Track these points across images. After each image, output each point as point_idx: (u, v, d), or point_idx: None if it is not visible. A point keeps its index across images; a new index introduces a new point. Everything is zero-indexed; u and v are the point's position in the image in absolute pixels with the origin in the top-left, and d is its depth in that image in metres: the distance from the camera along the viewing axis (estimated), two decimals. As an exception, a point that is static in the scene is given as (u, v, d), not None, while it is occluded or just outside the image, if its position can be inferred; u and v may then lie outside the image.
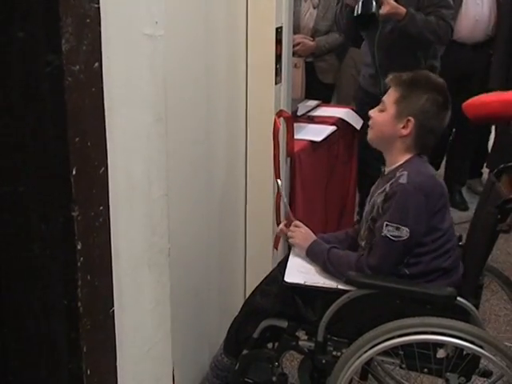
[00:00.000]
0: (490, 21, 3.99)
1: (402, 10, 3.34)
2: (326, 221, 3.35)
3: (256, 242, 2.86)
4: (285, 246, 2.95)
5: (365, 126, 3.52)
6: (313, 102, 3.64)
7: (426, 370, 2.09)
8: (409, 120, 2.13)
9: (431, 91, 2.14)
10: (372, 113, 2.24)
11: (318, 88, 4.06)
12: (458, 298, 2.01)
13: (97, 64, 1.16)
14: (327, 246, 2.24)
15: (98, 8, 1.14)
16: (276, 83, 2.74)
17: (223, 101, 2.55)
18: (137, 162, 1.36)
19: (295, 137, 2.92)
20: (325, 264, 2.18)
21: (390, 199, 2.06)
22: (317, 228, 3.17)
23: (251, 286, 2.79)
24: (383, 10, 3.29)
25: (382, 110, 2.20)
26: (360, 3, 3.19)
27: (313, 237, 2.31)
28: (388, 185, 2.10)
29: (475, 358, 2.05)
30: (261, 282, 2.41)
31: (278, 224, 2.83)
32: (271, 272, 2.47)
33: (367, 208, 2.22)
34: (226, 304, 2.77)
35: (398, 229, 2.03)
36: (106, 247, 1.23)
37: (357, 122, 3.51)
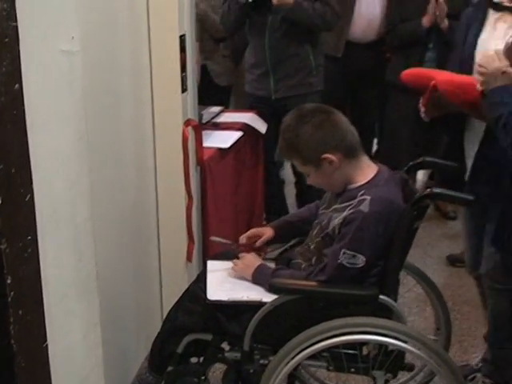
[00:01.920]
0: (382, 20, 4.11)
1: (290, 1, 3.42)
2: (236, 227, 3.34)
3: (169, 254, 2.81)
4: (199, 258, 2.92)
5: (269, 130, 3.59)
6: (216, 108, 3.63)
7: (353, 369, 2.12)
8: (324, 158, 2.08)
9: (302, 125, 2.11)
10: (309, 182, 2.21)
11: (213, 91, 4.05)
12: (381, 296, 2.05)
13: (17, 86, 1.09)
14: (271, 269, 2.21)
15: (16, 27, 1.08)
16: (182, 92, 2.71)
17: (128, 112, 2.49)
18: (60, 185, 1.30)
19: (203, 145, 2.89)
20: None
21: (349, 225, 2.04)
22: (228, 234, 3.18)
23: (168, 300, 2.75)
24: (274, 1, 3.37)
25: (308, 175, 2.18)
26: None
27: (255, 264, 2.23)
28: (348, 208, 2.08)
29: (400, 354, 2.09)
30: (181, 297, 2.37)
31: (190, 235, 2.80)
32: (190, 287, 2.43)
33: (322, 217, 2.21)
34: (143, 320, 2.70)
35: (354, 256, 2.02)
36: (36, 278, 1.17)
37: (261, 127, 3.52)
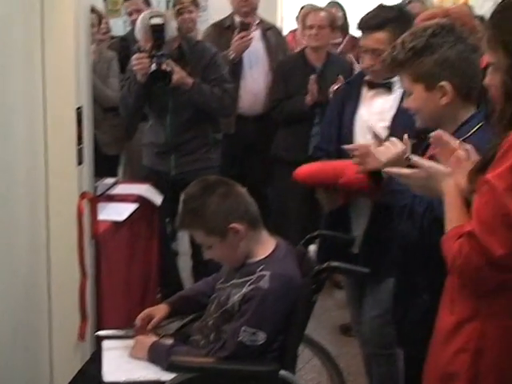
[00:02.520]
0: (268, 94, 4.24)
1: (189, 80, 3.46)
2: (130, 301, 3.26)
3: (61, 332, 2.69)
4: (92, 337, 2.81)
5: (164, 202, 3.57)
6: (110, 180, 3.58)
7: None
8: (231, 228, 2.10)
9: (208, 195, 2.13)
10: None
11: (101, 161, 3.99)
12: (281, 371, 2.05)
13: None
14: (166, 345, 2.16)
15: None
16: (78, 164, 2.66)
17: (21, 187, 2.40)
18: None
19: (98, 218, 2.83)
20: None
21: (249, 302, 2.04)
22: (122, 309, 3.10)
23: (59, 381, 2.62)
24: (173, 79, 3.40)
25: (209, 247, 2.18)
26: (154, 63, 3.31)
27: (148, 343, 2.18)
28: (247, 284, 2.07)
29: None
30: (74, 379, 2.27)
31: (83, 313, 2.70)
32: (84, 367, 2.34)
33: (221, 292, 2.18)
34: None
35: (254, 333, 2.02)
36: None
37: (157, 199, 3.50)
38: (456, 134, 1.93)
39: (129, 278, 3.23)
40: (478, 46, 1.97)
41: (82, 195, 2.69)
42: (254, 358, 2.05)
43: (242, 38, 3.98)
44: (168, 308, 2.34)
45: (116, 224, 3.06)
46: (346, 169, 2.37)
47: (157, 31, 3.31)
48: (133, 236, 3.28)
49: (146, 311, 2.35)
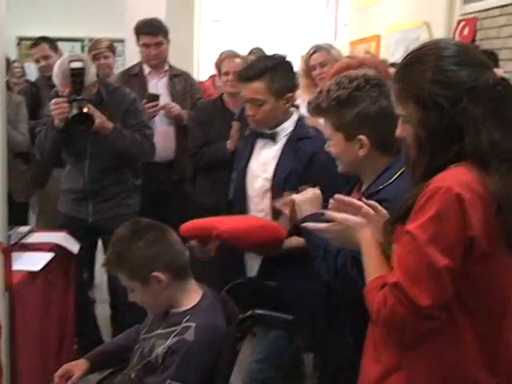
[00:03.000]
0: (178, 139, 4.25)
1: (110, 124, 3.41)
2: (46, 353, 3.14)
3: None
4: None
5: (81, 250, 3.49)
6: (24, 228, 3.47)
7: None
8: (153, 276, 2.07)
9: (136, 240, 2.10)
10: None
11: (10, 208, 3.88)
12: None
13: None
14: None
15: None
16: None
17: None
18: None
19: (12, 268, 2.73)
20: None
21: (174, 354, 1.99)
22: (37, 361, 2.98)
23: None
24: (94, 123, 3.35)
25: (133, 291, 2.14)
26: (75, 107, 3.25)
27: None
28: (172, 335, 2.03)
29: None
30: None
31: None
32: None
33: (144, 343, 2.13)
34: None
35: None
36: None
37: (74, 247, 3.41)
38: (376, 182, 1.98)
39: (45, 329, 3.11)
40: None
41: (-5, 245, 2.60)
42: None
43: (150, 108, 3.97)
44: (87, 364, 2.27)
45: (31, 274, 2.95)
46: (219, 223, 2.41)
47: (76, 75, 3.25)
48: (49, 286, 3.17)
49: (65, 367, 2.27)
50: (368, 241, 1.64)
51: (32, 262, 3.03)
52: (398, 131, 1.62)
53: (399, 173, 1.97)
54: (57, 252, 3.27)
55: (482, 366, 1.52)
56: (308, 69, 3.87)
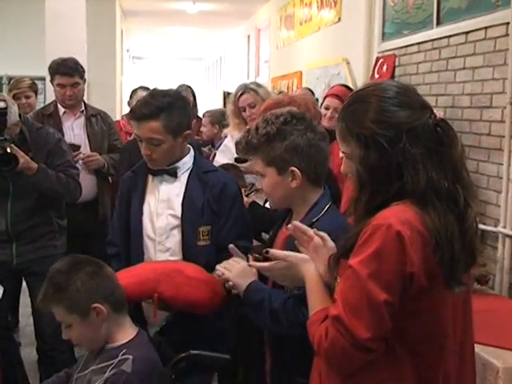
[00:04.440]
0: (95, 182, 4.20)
1: (34, 164, 3.34)
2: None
3: None
4: None
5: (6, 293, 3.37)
6: None
7: None
8: (94, 308, 2.03)
9: (76, 272, 2.05)
10: None
11: None
12: None
13: None
14: None
15: None
16: None
17: None
18: None
19: None
20: None
21: None
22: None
23: None
24: (18, 164, 3.26)
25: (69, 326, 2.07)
26: None
27: None
28: (109, 369, 1.97)
29: None
30: None
31: None
32: None
33: (80, 381, 2.04)
34: None
35: None
36: None
37: (-3, 292, 3.29)
38: (308, 215, 2.02)
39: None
40: (325, 134, 2.11)
41: None
42: None
43: (74, 157, 3.91)
44: None
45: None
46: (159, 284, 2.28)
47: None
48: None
49: None
50: (311, 275, 1.66)
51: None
52: (343, 167, 1.66)
53: (327, 207, 2.04)
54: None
55: None
56: (237, 110, 3.90)
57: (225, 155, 3.85)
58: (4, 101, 3.23)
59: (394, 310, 1.46)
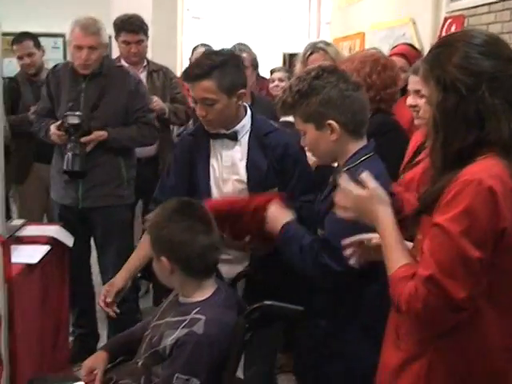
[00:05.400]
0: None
1: (104, 134, 3.44)
2: (42, 345, 3.14)
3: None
4: (7, 382, 2.68)
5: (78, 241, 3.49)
6: (18, 221, 3.46)
7: None
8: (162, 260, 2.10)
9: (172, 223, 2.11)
10: None
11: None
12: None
13: None
14: None
15: None
16: (-11, 205, 2.57)
17: None
18: None
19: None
20: None
21: (182, 347, 1.99)
22: (33, 353, 2.98)
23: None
24: (89, 147, 3.43)
25: None
26: (69, 157, 3.36)
27: None
28: (181, 326, 2.02)
29: None
30: None
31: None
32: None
33: (154, 331, 2.13)
34: None
35: (188, 380, 1.97)
36: None
37: (68, 240, 3.41)
38: (344, 165, 2.08)
39: (41, 321, 3.12)
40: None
41: (-7, 238, 2.59)
42: None
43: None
44: (107, 355, 2.28)
45: (28, 267, 2.95)
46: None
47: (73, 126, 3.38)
48: (45, 278, 3.17)
49: (87, 365, 2.26)
50: (388, 221, 1.64)
51: (29, 254, 3.03)
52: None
53: (365, 157, 2.08)
54: (52, 245, 3.26)
55: (505, 358, 1.56)
56: None
57: (289, 113, 3.87)
58: (78, 116, 3.36)
59: (486, 267, 1.46)
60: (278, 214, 2.16)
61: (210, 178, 2.55)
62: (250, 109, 2.62)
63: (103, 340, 3.86)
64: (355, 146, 2.10)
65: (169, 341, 2.04)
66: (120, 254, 3.62)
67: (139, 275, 3.53)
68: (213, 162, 2.56)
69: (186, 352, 1.99)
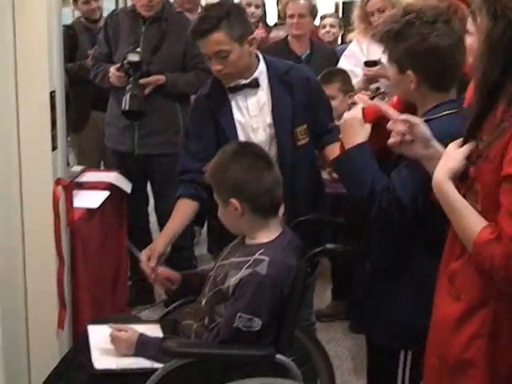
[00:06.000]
0: None
1: (162, 79, 3.43)
2: (102, 289, 3.20)
3: (39, 321, 2.62)
4: (70, 325, 2.74)
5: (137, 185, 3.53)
6: (77, 168, 3.50)
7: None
8: (230, 203, 2.09)
9: (234, 163, 2.11)
10: None
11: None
12: (277, 356, 2.04)
13: None
14: (156, 339, 2.11)
15: None
16: (52, 150, 2.58)
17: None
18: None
19: (72, 205, 2.75)
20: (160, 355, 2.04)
21: (245, 287, 2.00)
22: (94, 296, 3.03)
23: (37, 370, 2.56)
24: (148, 90, 3.43)
25: None
26: (127, 98, 3.34)
27: (133, 338, 2.10)
28: (245, 266, 2.04)
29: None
30: (58, 367, 2.21)
31: (62, 301, 2.63)
32: (68, 355, 2.28)
33: (218, 270, 2.15)
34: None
35: (250, 320, 1.98)
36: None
37: (126, 186, 3.44)
38: (422, 117, 1.96)
39: (101, 265, 3.16)
40: (458, 39, 1.96)
41: (57, 182, 2.61)
42: (250, 341, 2.02)
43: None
44: (180, 276, 2.35)
45: (89, 211, 2.98)
46: None
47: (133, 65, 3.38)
48: (104, 223, 3.20)
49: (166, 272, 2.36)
50: (444, 177, 1.60)
51: (89, 199, 3.06)
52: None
53: (448, 112, 1.96)
54: (111, 191, 3.29)
55: None
56: (365, 14, 3.80)
57: (349, 60, 3.80)
58: (139, 53, 3.33)
59: None
60: (359, 126, 1.97)
61: (238, 133, 2.54)
62: (260, 54, 2.59)
63: (160, 286, 3.91)
64: (437, 98, 1.99)
65: (232, 280, 2.05)
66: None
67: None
68: (237, 115, 2.55)
69: (248, 292, 2.00)
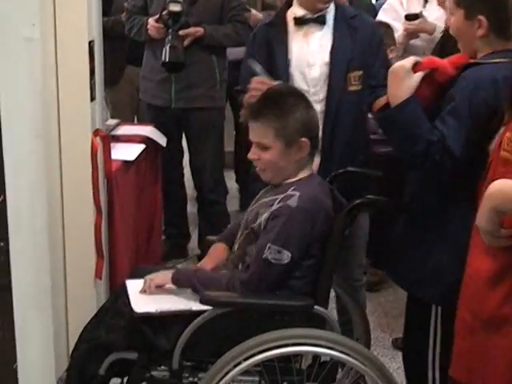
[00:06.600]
0: None
1: (201, 31, 3.39)
2: (137, 241, 3.22)
3: (76, 271, 2.65)
4: (107, 275, 2.77)
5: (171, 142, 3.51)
6: (113, 121, 3.50)
7: (286, 383, 2.07)
8: (300, 142, 2.08)
9: (298, 103, 2.13)
10: None
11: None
12: (315, 307, 2.03)
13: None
14: (190, 269, 2.14)
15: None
16: (91, 100, 2.58)
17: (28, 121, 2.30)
18: (21, 189, 1.17)
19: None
20: (194, 286, 2.07)
21: (276, 219, 2.00)
22: (130, 248, 3.06)
23: (74, 318, 2.59)
24: (187, 41, 3.40)
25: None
26: (167, 49, 3.29)
27: (169, 273, 2.15)
28: (276, 202, 2.04)
29: (334, 365, 2.08)
30: (97, 315, 2.23)
31: (99, 251, 2.65)
32: (106, 304, 2.30)
33: (249, 214, 2.15)
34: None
35: (279, 252, 1.98)
36: (8, 289, 1.03)
37: (161, 140, 3.43)
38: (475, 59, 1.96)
39: (137, 217, 3.18)
40: None
41: (95, 132, 2.62)
42: (279, 276, 2.03)
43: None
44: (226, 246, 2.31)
45: (125, 164, 2.99)
46: None
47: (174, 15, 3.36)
48: (139, 177, 3.21)
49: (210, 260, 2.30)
50: None
51: (125, 151, 3.06)
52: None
53: (498, 60, 1.92)
54: (147, 144, 3.29)
55: None
56: None
57: (388, 14, 3.72)
58: (180, 3, 3.27)
59: None
60: (406, 75, 1.93)
61: (291, 66, 2.51)
62: None
63: (194, 240, 3.94)
64: (498, 46, 1.96)
65: (263, 217, 2.05)
66: (212, 156, 3.64)
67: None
68: (295, 48, 2.52)
69: (279, 224, 2.00)
